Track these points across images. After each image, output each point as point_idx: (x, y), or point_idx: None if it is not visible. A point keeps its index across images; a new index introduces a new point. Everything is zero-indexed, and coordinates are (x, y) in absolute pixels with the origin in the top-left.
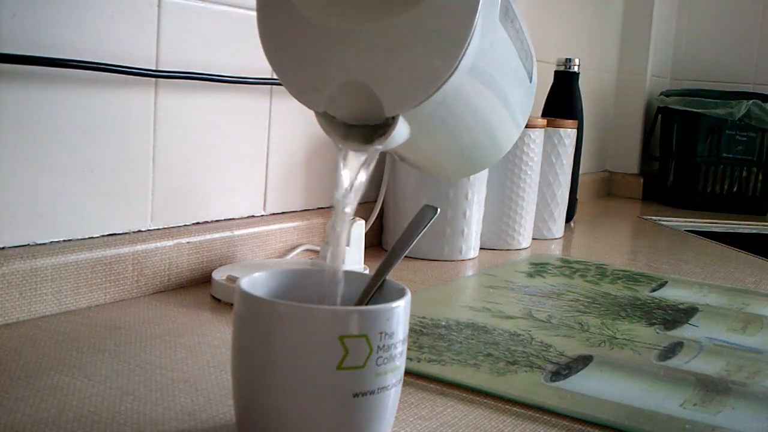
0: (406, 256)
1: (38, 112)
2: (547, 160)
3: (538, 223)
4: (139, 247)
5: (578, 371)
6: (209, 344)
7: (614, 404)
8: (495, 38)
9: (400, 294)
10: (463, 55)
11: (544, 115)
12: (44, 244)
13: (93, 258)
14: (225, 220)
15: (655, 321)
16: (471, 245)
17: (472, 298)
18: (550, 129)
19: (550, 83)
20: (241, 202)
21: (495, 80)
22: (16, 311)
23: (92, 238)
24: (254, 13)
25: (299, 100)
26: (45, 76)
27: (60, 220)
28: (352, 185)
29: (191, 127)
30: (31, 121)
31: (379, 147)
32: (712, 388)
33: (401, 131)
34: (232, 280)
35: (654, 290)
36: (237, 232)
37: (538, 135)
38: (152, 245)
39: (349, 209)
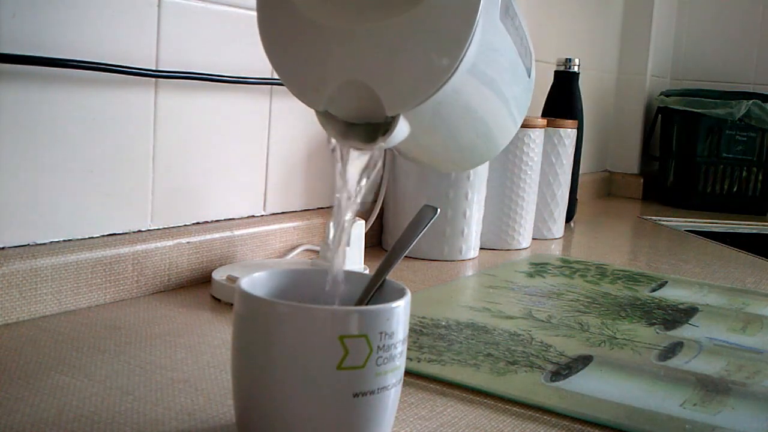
0: (406, 256)
1: (38, 112)
2: (547, 160)
3: (538, 223)
4: (139, 247)
5: (578, 371)
6: (209, 344)
7: (614, 404)
8: (495, 37)
9: (400, 294)
10: (464, 55)
11: (544, 115)
12: (44, 244)
13: (93, 258)
14: (225, 220)
15: (655, 321)
16: (471, 245)
17: (472, 298)
18: (550, 129)
19: (550, 83)
20: (241, 202)
21: (495, 79)
22: (16, 311)
23: (92, 238)
24: (254, 13)
25: (300, 100)
26: (45, 76)
27: (60, 220)
28: (355, 185)
29: (191, 127)
30: (31, 121)
31: (379, 146)
32: (712, 388)
33: (401, 130)
34: (232, 280)
35: (654, 290)
36: (237, 232)
37: (538, 135)
38: (152, 245)
39: (350, 212)
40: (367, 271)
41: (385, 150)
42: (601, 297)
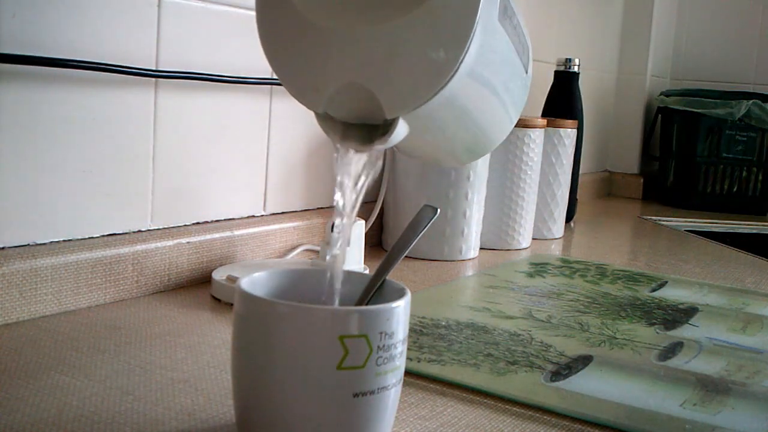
0: (406, 256)
1: (38, 112)
2: (547, 160)
3: (538, 223)
4: (139, 247)
5: (578, 371)
6: (209, 344)
7: (614, 404)
8: (494, 38)
9: (400, 294)
10: (463, 58)
11: (544, 115)
12: (44, 244)
13: (93, 258)
14: (225, 220)
15: (655, 321)
16: (471, 245)
17: (472, 298)
18: (550, 129)
19: (550, 83)
20: (241, 202)
21: (493, 79)
22: (16, 311)
23: (92, 238)
24: (254, 13)
25: (299, 101)
26: (45, 76)
27: (60, 220)
28: (355, 185)
29: (191, 127)
30: (31, 121)
31: (378, 147)
32: (712, 388)
33: (400, 131)
34: (232, 280)
35: (654, 290)
36: (237, 232)
37: (538, 135)
38: (152, 245)
39: (350, 213)
40: (367, 271)
41: (385, 149)
42: (601, 297)
